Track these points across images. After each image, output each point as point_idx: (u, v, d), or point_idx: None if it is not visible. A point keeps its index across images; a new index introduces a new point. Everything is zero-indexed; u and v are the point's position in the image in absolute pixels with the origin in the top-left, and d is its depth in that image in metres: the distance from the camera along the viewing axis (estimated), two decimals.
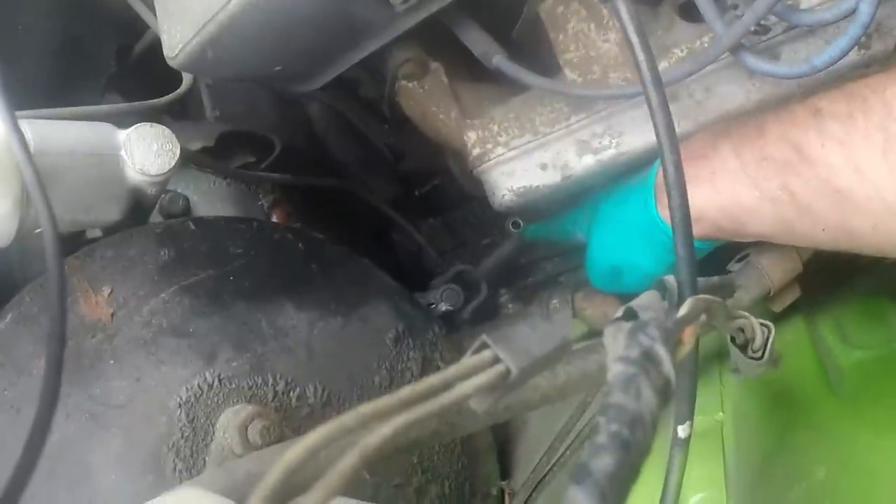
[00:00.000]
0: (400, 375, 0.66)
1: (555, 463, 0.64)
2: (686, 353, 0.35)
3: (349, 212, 0.92)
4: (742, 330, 0.49)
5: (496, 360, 0.29)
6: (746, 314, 0.48)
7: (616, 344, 0.31)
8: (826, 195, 0.50)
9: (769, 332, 0.49)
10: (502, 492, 0.71)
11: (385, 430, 0.26)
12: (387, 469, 0.61)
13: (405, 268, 1.00)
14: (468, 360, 0.29)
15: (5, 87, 0.48)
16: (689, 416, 0.47)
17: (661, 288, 0.43)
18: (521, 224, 0.83)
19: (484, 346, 0.30)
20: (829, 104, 0.51)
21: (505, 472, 0.74)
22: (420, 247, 0.98)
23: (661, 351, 0.30)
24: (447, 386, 0.28)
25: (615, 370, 0.29)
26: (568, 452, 0.64)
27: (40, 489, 0.54)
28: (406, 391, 0.28)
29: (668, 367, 0.30)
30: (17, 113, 0.56)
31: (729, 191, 0.56)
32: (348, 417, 0.26)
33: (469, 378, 0.29)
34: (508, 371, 0.29)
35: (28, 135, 0.52)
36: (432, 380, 0.28)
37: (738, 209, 0.56)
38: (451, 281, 0.89)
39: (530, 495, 0.64)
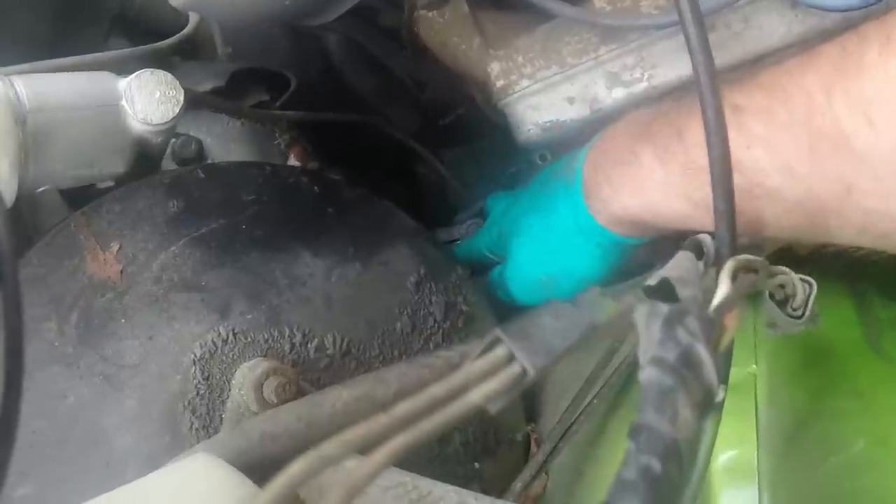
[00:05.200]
0: (422, 321, 0.64)
1: (581, 412, 0.62)
2: (728, 342, 0.32)
3: (370, 146, 0.89)
4: (782, 286, 0.46)
5: (511, 358, 0.27)
6: (787, 270, 0.45)
7: (650, 333, 0.28)
8: (758, 198, 0.47)
9: (810, 288, 0.46)
10: (528, 437, 0.69)
11: (378, 458, 0.23)
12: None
13: (429, 202, 0.97)
14: (478, 363, 0.27)
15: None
16: (724, 379, 0.44)
17: (696, 249, 0.40)
18: (549, 157, 0.80)
19: (497, 340, 0.27)
20: (747, 99, 0.47)
21: (531, 414, 0.73)
22: (444, 179, 0.95)
23: (703, 352, 0.27)
24: (453, 396, 0.26)
25: (649, 376, 0.26)
26: (595, 401, 0.62)
27: (56, 453, 0.53)
28: (404, 408, 0.25)
29: (709, 371, 0.27)
30: (12, 68, 0.54)
31: (661, 202, 0.54)
32: (331, 446, 0.23)
33: (479, 384, 0.26)
34: (525, 372, 0.27)
35: (22, 91, 0.50)
36: (435, 390, 0.26)
37: (673, 216, 0.54)
38: (477, 216, 0.86)
39: (556, 446, 0.62)
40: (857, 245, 0.48)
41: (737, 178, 0.44)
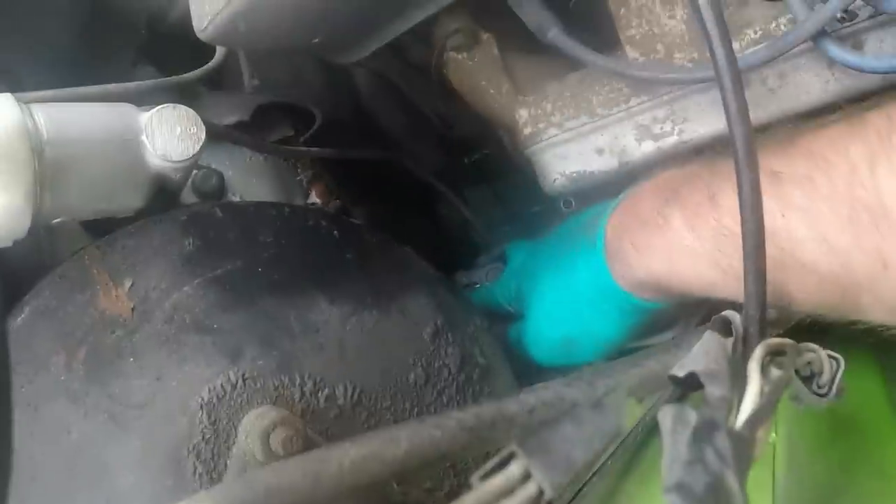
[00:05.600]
0: (437, 373, 0.63)
1: (594, 473, 0.60)
2: (759, 454, 0.30)
3: (393, 185, 0.88)
4: (809, 363, 0.44)
5: (527, 476, 0.25)
6: (815, 347, 0.43)
7: (676, 444, 0.26)
8: (790, 269, 0.46)
9: (838, 366, 0.44)
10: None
11: None
12: (417, 476, 0.58)
13: (451, 241, 0.96)
14: (491, 484, 0.25)
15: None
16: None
17: (724, 327, 0.38)
18: (574, 204, 0.78)
19: (513, 455, 0.25)
20: (787, 166, 0.46)
21: None
22: (466, 219, 0.94)
23: (732, 482, 0.25)
24: None
25: None
26: (609, 462, 0.61)
27: (57, 488, 0.52)
28: None
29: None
30: (34, 94, 0.53)
31: (688, 268, 0.53)
32: None
33: None
34: (542, 492, 0.25)
35: (41, 121, 0.49)
36: None
37: (700, 284, 0.53)
38: (498, 259, 0.85)
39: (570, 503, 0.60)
40: (888, 324, 0.46)
41: (769, 249, 0.43)
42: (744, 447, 0.27)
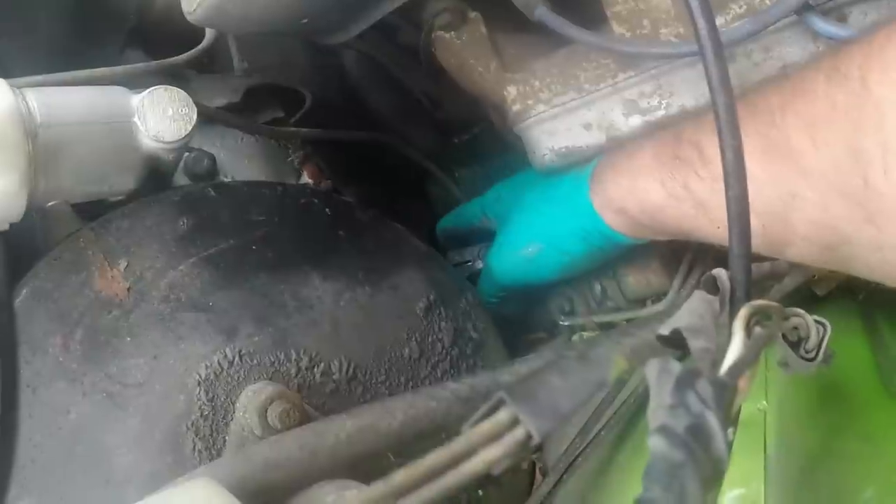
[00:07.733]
0: (430, 347, 0.64)
1: (588, 444, 0.61)
2: (740, 404, 0.31)
3: (384, 165, 0.89)
4: (796, 328, 0.45)
5: (515, 421, 0.26)
6: (801, 312, 0.44)
7: (661, 393, 0.27)
8: (717, 192, 0.51)
9: (825, 330, 0.45)
10: (534, 466, 0.68)
11: None
12: (414, 451, 0.59)
13: None
14: (481, 428, 0.26)
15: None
16: (734, 421, 0.43)
17: (712, 285, 0.39)
18: None
19: (501, 402, 0.26)
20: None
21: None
22: (458, 200, 0.94)
23: (713, 423, 0.26)
24: (455, 463, 0.25)
25: (657, 447, 0.25)
26: (602, 433, 0.61)
27: (57, 469, 0.53)
28: (404, 476, 0.24)
29: (719, 444, 0.26)
30: (26, 79, 0.54)
31: (643, 187, 0.59)
32: None
33: (482, 450, 0.25)
34: (530, 436, 0.26)
35: (34, 105, 0.50)
36: (437, 458, 0.25)
37: (649, 205, 0.59)
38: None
39: (561, 477, 0.61)
40: (805, 261, 0.52)
41: (701, 172, 0.53)
42: (726, 393, 0.28)
